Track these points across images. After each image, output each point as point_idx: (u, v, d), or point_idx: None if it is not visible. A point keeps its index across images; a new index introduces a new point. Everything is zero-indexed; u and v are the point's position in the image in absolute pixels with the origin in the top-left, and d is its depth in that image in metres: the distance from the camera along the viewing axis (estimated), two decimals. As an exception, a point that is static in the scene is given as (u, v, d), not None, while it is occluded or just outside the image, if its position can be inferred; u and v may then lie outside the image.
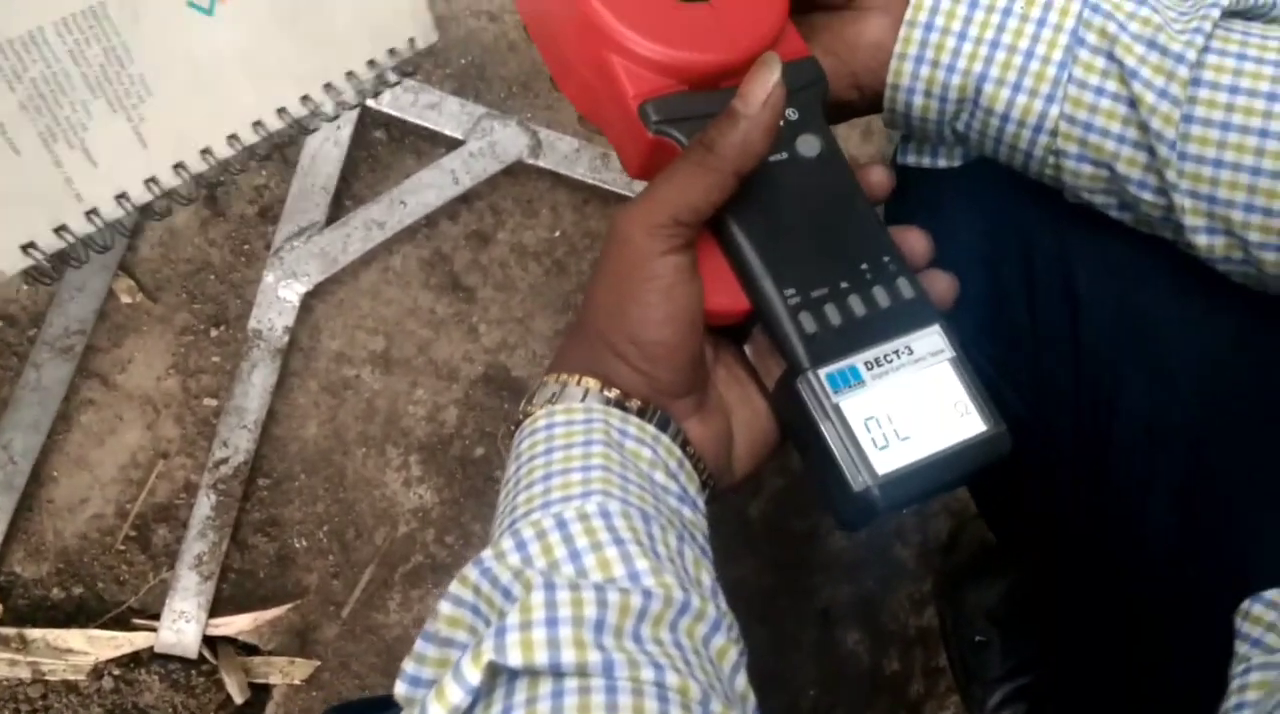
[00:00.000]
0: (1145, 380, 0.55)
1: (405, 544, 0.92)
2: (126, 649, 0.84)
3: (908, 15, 0.47)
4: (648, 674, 0.34)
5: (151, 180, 0.62)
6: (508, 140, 0.93)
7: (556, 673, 0.34)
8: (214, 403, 0.89)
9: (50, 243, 0.59)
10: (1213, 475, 0.55)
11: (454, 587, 0.38)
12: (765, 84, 0.42)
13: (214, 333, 0.90)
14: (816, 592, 1.03)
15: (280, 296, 0.89)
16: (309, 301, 0.91)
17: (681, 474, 0.43)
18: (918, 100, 0.49)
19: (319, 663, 0.89)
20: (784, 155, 0.47)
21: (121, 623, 0.85)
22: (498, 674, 0.34)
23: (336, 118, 0.68)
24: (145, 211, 0.63)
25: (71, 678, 0.83)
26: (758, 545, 1.01)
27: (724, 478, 0.47)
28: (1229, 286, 0.51)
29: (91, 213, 0.60)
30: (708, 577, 0.41)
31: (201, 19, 0.60)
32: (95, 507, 0.86)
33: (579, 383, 0.44)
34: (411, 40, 0.68)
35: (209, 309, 0.90)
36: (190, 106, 0.62)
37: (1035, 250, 0.57)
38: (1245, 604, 0.47)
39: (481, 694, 0.34)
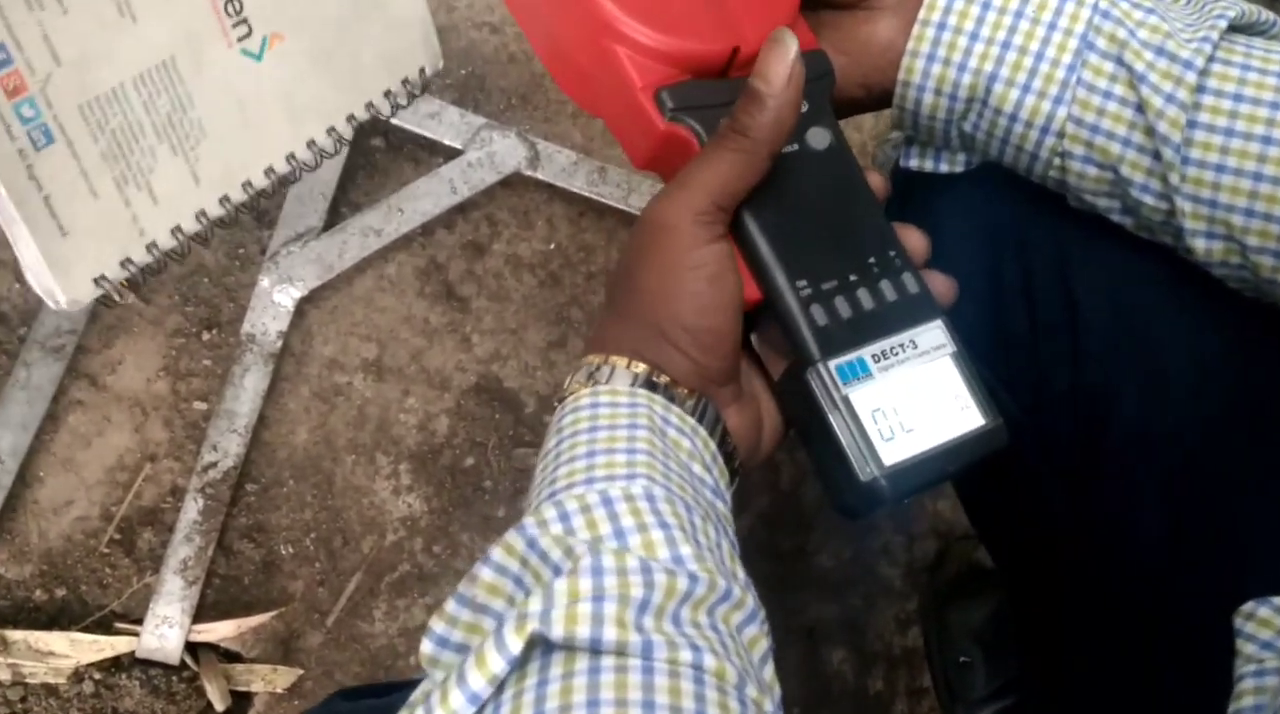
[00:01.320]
0: (1141, 387, 0.56)
1: (392, 553, 0.92)
2: (108, 653, 0.83)
3: (921, 14, 0.49)
4: (685, 656, 0.34)
5: (201, 213, 0.67)
6: (506, 151, 0.94)
7: (595, 649, 0.34)
8: (204, 406, 0.89)
9: (117, 274, 0.64)
10: (1205, 483, 0.55)
11: (498, 554, 0.38)
12: (785, 60, 0.43)
13: (206, 336, 0.90)
14: (802, 610, 1.03)
15: (274, 301, 0.89)
16: (303, 307, 0.91)
17: (715, 468, 0.44)
18: (927, 98, 0.50)
19: (302, 671, 0.88)
20: (795, 147, 0.48)
21: (104, 627, 0.84)
22: (533, 646, 0.34)
23: (350, 143, 0.74)
24: (192, 239, 0.69)
25: (52, 681, 0.81)
26: (744, 562, 1.01)
27: (750, 463, 0.48)
28: (1225, 295, 0.52)
29: (151, 245, 0.65)
30: (742, 570, 0.41)
31: (251, 64, 0.66)
32: (81, 508, 0.86)
33: (629, 366, 0.44)
34: (422, 69, 0.74)
35: (202, 312, 0.90)
36: (237, 144, 0.68)
37: (1035, 257, 0.58)
38: (1249, 606, 0.48)
39: (515, 665, 0.34)
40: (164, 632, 0.84)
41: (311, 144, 0.70)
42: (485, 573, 0.37)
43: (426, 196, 0.92)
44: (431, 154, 0.96)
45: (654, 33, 0.46)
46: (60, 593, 0.84)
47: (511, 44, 1.01)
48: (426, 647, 0.37)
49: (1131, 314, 0.56)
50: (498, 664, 0.33)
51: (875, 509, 0.45)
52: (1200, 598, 0.52)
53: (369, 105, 0.72)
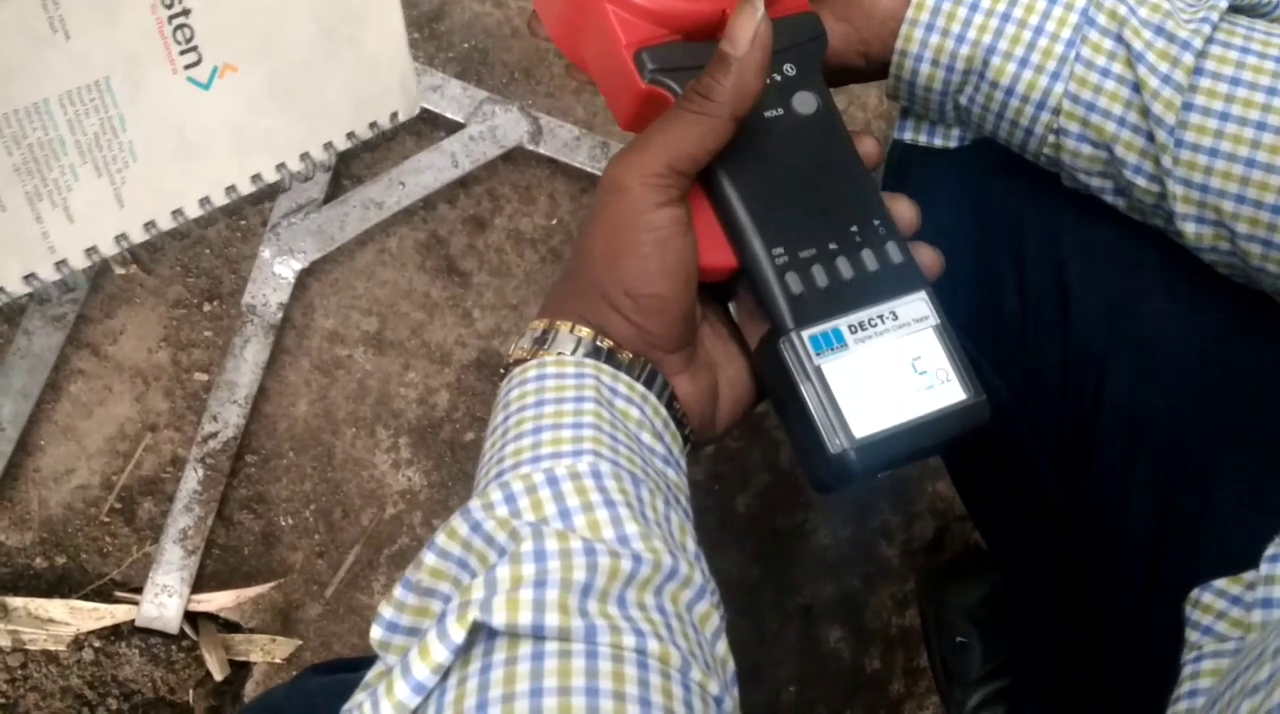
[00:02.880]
0: (1131, 371, 0.56)
1: (392, 526, 0.92)
2: (108, 621, 0.84)
3: None
4: (629, 641, 0.34)
5: (121, 236, 0.64)
6: (508, 125, 0.94)
7: (538, 635, 0.34)
8: (204, 377, 0.89)
9: (18, 288, 0.62)
10: (1193, 467, 0.55)
11: (441, 539, 0.37)
12: (750, 21, 0.42)
13: (207, 307, 0.90)
14: (800, 588, 1.03)
15: (275, 273, 0.89)
16: (304, 279, 0.91)
17: (666, 435, 0.43)
18: (924, 69, 0.50)
19: (300, 642, 0.88)
20: (780, 111, 0.47)
21: (103, 595, 0.85)
22: (476, 631, 0.34)
23: (306, 181, 0.70)
24: (110, 260, 0.65)
25: (51, 648, 0.82)
26: (742, 540, 1.01)
27: (705, 434, 0.47)
28: (1216, 280, 0.52)
29: (61, 263, 0.62)
30: (692, 542, 0.41)
31: (197, 93, 0.62)
32: (81, 477, 0.86)
33: (572, 331, 0.43)
34: (394, 114, 0.70)
35: (203, 283, 0.90)
36: (170, 172, 0.64)
37: (1026, 238, 0.57)
38: (1195, 593, 0.48)
39: (459, 651, 0.34)
40: (163, 600, 0.85)
41: (257, 178, 0.67)
42: (429, 558, 0.37)
43: (428, 170, 0.92)
44: (433, 127, 0.96)
45: None
46: (60, 561, 0.85)
47: (515, 18, 1.01)
48: (376, 632, 0.37)
49: (1122, 296, 0.55)
50: (441, 654, 0.33)
51: (846, 483, 0.44)
52: (1190, 577, 0.51)
53: (327, 145, 0.68)
